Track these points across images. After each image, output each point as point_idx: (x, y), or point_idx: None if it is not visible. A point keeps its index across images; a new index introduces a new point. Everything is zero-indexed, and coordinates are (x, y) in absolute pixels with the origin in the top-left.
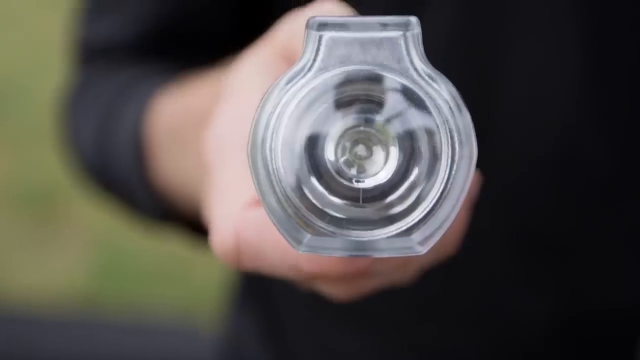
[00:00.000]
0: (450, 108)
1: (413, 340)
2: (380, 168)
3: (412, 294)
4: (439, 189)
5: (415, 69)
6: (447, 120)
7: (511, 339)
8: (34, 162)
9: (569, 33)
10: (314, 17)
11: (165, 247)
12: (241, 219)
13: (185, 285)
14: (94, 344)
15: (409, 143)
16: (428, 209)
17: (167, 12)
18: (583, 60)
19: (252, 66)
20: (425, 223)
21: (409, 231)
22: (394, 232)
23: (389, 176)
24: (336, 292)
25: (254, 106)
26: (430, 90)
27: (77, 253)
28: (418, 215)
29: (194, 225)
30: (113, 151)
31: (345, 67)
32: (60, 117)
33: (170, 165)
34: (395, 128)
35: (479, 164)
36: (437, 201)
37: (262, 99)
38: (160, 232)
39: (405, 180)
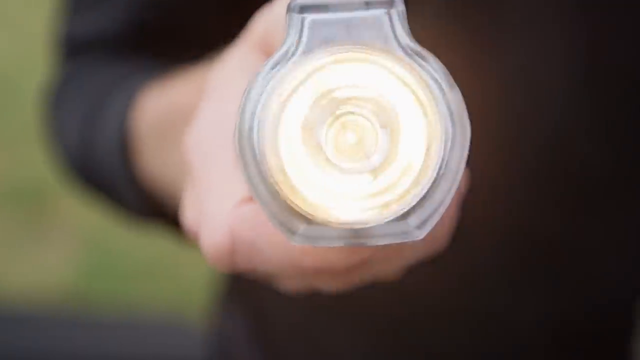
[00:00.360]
0: (440, 86)
1: (404, 340)
2: (372, 152)
3: (403, 293)
4: (434, 171)
5: (402, 48)
6: (438, 99)
7: (504, 339)
8: (23, 160)
9: (563, 29)
10: (295, 0)
11: (155, 245)
12: (234, 216)
13: (175, 282)
14: (83, 342)
15: (400, 125)
16: (424, 192)
17: (151, 7)
18: (576, 59)
19: (231, 62)
20: (422, 206)
21: (405, 215)
22: (390, 217)
23: (381, 160)
24: (331, 284)
25: (234, 103)
26: (419, 68)
27: (67, 251)
28: (415, 199)
29: (180, 222)
30: (98, 148)
31: (330, 49)
32: (44, 114)
33: (156, 162)
34: (385, 110)
35: (468, 163)
36: (433, 183)
37: (247, 87)
38: (148, 229)
39: (399, 163)
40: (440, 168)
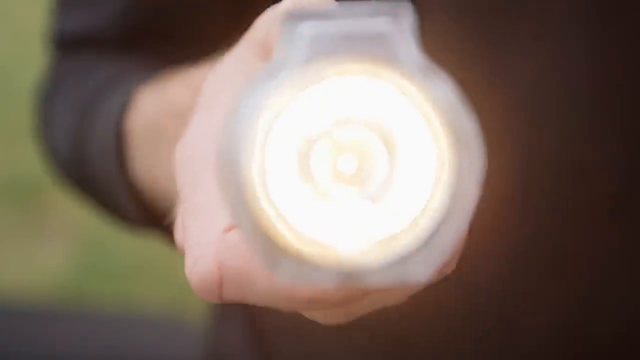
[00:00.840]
0: (452, 107)
1: (406, 347)
2: (373, 178)
3: (409, 301)
4: (442, 204)
5: (412, 63)
6: (449, 121)
7: (516, 353)
8: (20, 156)
9: (576, 36)
10: (291, 7)
11: (153, 242)
12: (222, 243)
13: (173, 281)
14: (78, 340)
15: (405, 148)
16: (431, 229)
17: (149, 4)
18: (589, 66)
19: (227, 68)
20: (428, 245)
21: (409, 253)
22: (392, 255)
23: (382, 187)
24: (330, 317)
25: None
26: (429, 86)
27: (63, 248)
28: (419, 237)
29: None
30: (91, 147)
31: (328, 61)
32: (35, 111)
33: (150, 164)
34: (389, 132)
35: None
36: (441, 219)
37: (233, 101)
38: (142, 233)
39: (403, 195)
40: (450, 202)
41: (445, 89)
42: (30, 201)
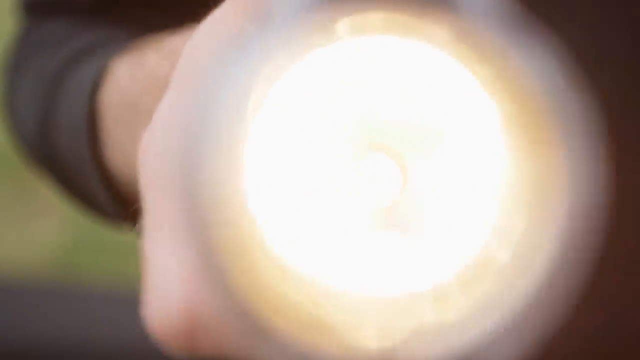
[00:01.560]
0: (553, 88)
1: None
2: (412, 200)
3: None
4: (543, 250)
5: (481, 9)
6: (546, 111)
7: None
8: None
9: (615, 14)
10: None
11: None
12: (197, 278)
13: None
14: (72, 316)
15: (464, 153)
16: (522, 300)
17: None
18: (635, 37)
19: (207, 34)
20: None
21: (474, 334)
22: (443, 337)
23: (427, 217)
24: None
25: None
26: (514, 52)
27: (56, 224)
28: (500, 313)
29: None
30: (60, 124)
31: (342, 13)
32: (3, 82)
33: (125, 146)
34: (439, 125)
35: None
36: (540, 278)
37: (205, 76)
38: (119, 227)
39: (461, 226)
40: (542, 235)
41: (543, 56)
42: (22, 176)
